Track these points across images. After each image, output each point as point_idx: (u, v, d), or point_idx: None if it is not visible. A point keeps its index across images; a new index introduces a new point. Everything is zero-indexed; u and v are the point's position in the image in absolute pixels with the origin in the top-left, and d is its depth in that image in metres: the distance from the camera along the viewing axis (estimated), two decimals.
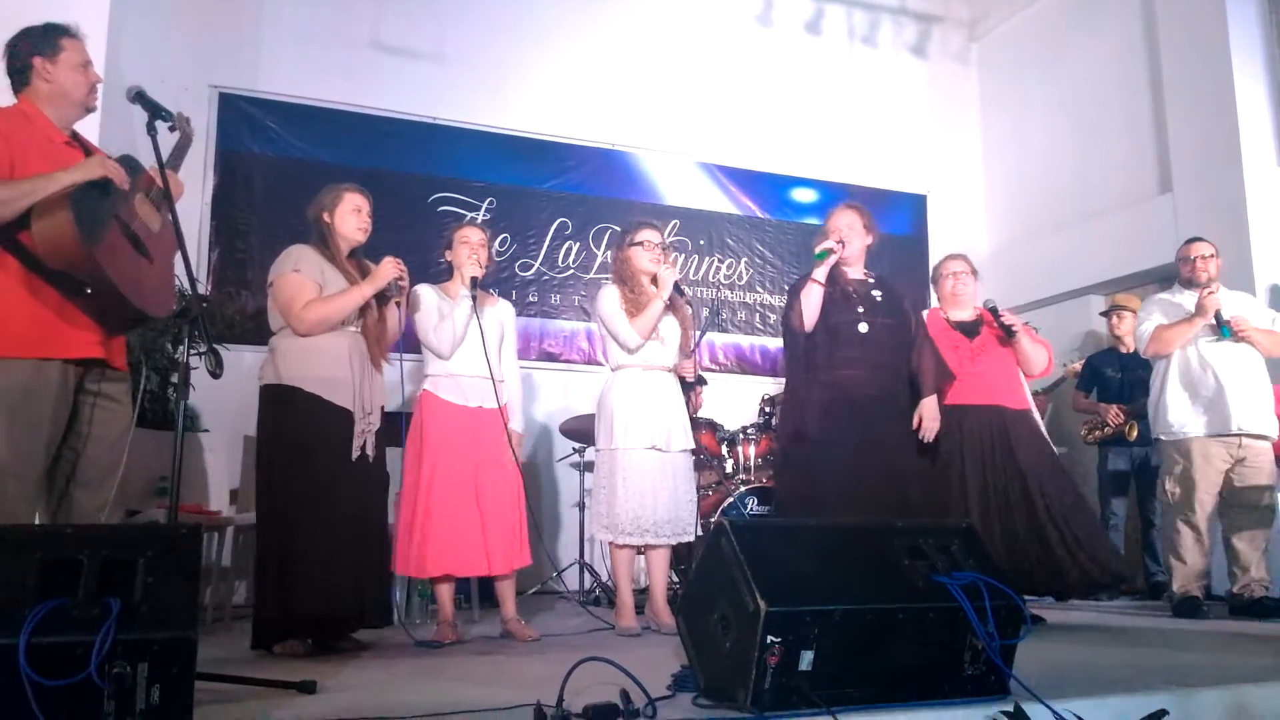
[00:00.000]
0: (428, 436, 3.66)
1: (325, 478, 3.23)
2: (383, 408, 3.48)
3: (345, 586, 3.20)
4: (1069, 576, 3.83)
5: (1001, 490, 3.94)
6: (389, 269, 3.44)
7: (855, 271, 3.90)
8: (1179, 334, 4.49)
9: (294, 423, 3.25)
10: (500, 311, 3.95)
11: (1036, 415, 4.24)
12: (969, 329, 4.24)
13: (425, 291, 3.78)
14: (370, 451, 3.38)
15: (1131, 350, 5.49)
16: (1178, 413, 4.51)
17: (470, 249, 3.80)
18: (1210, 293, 4.40)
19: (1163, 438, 4.61)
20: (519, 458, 3.81)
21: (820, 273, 3.72)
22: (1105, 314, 6.29)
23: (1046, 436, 4.19)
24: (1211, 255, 4.60)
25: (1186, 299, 4.60)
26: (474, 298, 3.75)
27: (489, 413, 3.73)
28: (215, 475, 4.65)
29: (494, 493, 3.67)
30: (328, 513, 3.20)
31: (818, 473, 3.59)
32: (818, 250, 3.75)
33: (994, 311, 4.25)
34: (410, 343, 3.77)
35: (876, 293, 3.84)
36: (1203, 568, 4.47)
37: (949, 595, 2.05)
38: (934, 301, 4.55)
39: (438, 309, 3.73)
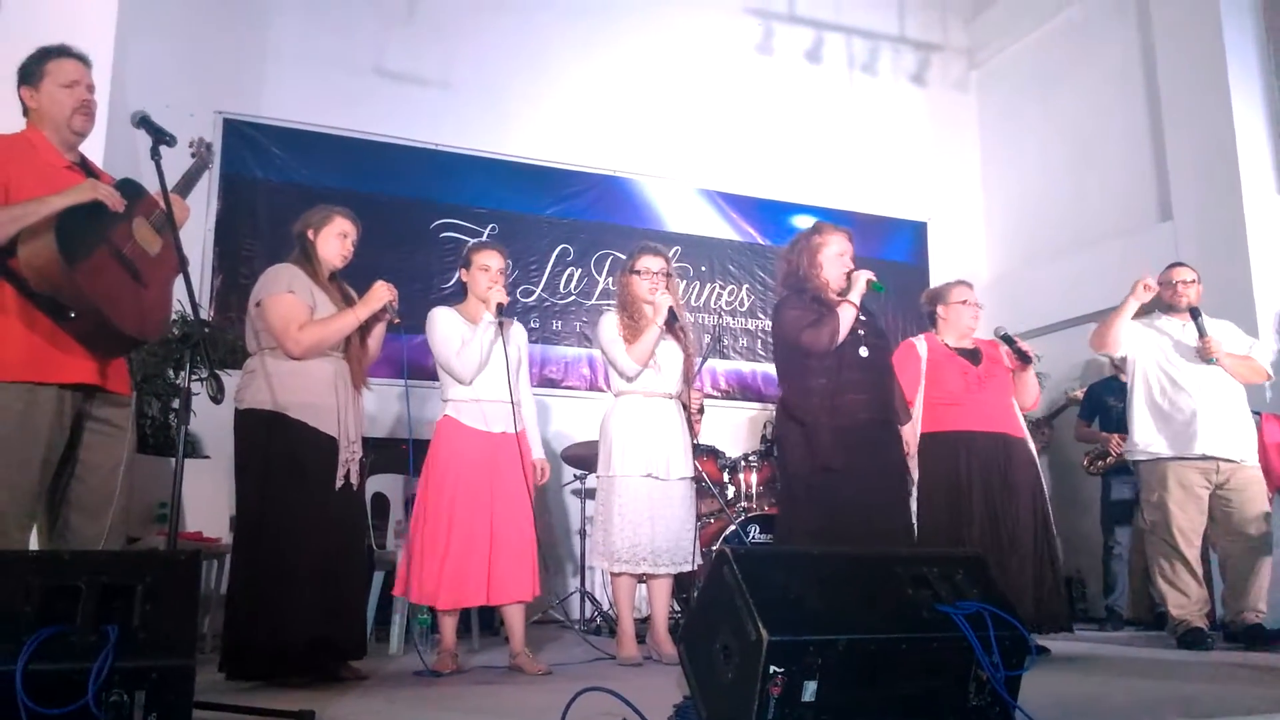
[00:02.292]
0: (450, 463, 3.60)
1: (309, 506, 3.14)
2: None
3: (320, 618, 3.09)
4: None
5: (1008, 518, 3.93)
6: (382, 293, 3.39)
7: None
8: (1112, 319, 4.48)
9: (278, 449, 3.16)
10: (517, 336, 3.92)
11: (1032, 445, 4.24)
12: (971, 356, 4.24)
13: (446, 315, 3.72)
14: (355, 480, 3.32)
15: None
16: (1143, 431, 4.50)
17: (490, 278, 3.74)
18: (1145, 284, 4.39)
19: (1134, 458, 4.58)
20: (539, 481, 3.80)
21: (858, 295, 3.72)
22: None
23: (1044, 482, 4.20)
24: (1193, 281, 4.57)
25: (1166, 324, 4.59)
26: (500, 324, 3.71)
27: (508, 438, 3.69)
28: (215, 502, 4.63)
29: (509, 521, 3.61)
30: (310, 542, 3.11)
31: (839, 505, 3.51)
32: (875, 283, 3.74)
33: (1008, 339, 4.26)
34: (411, 369, 3.76)
35: (862, 316, 3.84)
36: (1200, 597, 4.39)
37: (953, 625, 2.04)
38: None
39: (459, 335, 3.69)
